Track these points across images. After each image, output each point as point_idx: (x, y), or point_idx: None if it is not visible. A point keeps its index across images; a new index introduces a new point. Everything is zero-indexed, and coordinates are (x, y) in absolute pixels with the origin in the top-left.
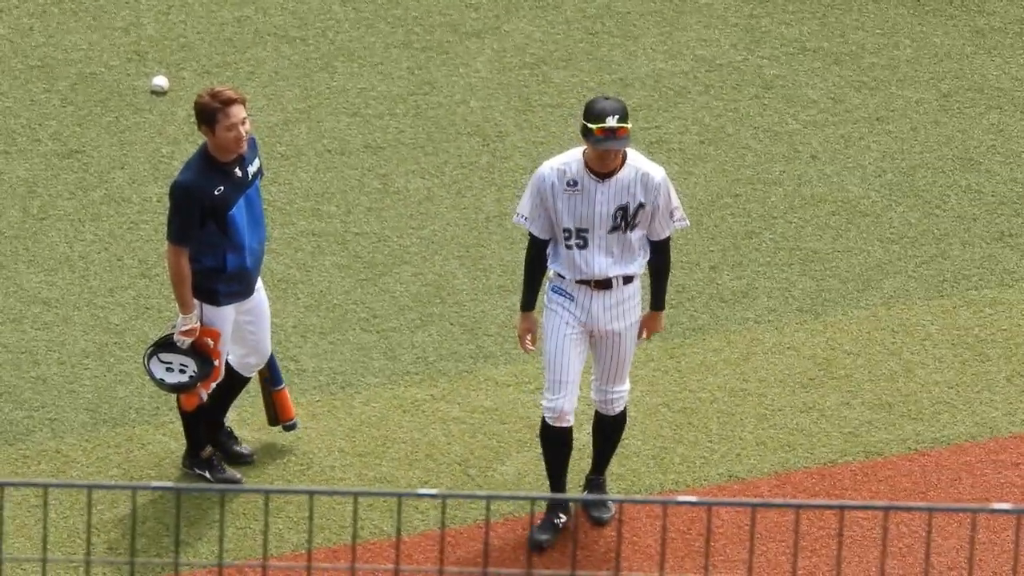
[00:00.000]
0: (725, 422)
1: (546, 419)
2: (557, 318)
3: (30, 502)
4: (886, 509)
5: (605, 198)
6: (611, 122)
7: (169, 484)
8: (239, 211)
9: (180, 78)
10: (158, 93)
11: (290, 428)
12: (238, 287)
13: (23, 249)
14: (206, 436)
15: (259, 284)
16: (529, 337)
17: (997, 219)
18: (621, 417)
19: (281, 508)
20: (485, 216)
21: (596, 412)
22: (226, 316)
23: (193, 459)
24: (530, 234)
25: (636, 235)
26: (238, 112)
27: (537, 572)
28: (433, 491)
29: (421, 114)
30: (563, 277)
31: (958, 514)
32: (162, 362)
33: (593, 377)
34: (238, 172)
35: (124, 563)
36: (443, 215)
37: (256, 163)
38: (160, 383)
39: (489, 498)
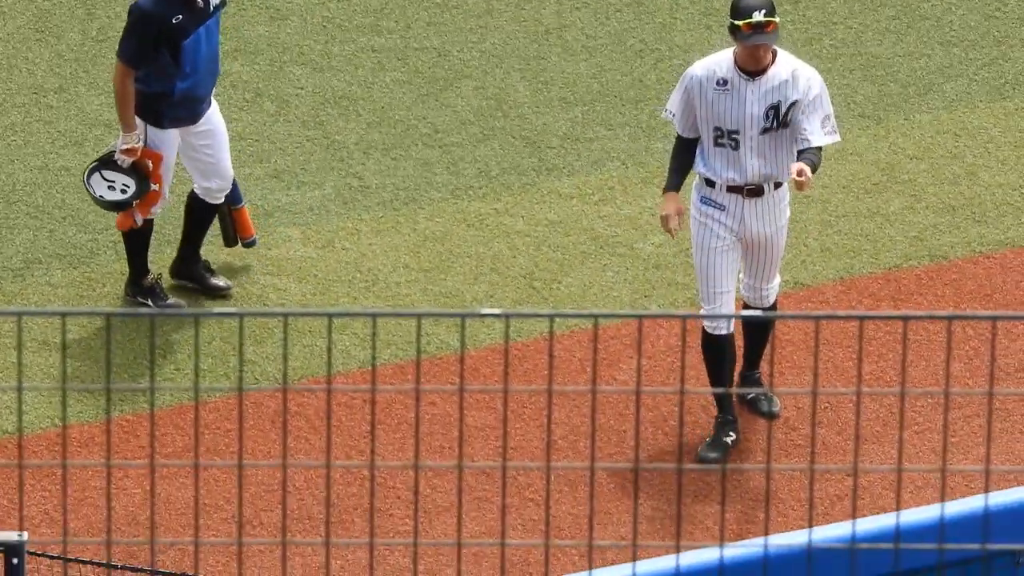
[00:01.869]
0: (790, 229)
1: (706, 328)
2: (707, 231)
3: (95, 324)
4: (949, 319)
5: (756, 97)
6: (758, 16)
7: (231, 309)
8: (195, 41)
9: None
10: None
11: (249, 245)
12: (184, 112)
13: (83, 72)
14: (182, 270)
15: (213, 106)
16: (676, 220)
17: None
18: (772, 309)
19: (347, 325)
20: (545, 28)
21: (745, 306)
22: (169, 140)
23: (135, 286)
24: (677, 133)
25: (787, 135)
26: None
27: (601, 388)
28: (496, 310)
29: None
30: (712, 185)
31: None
32: (104, 179)
33: (744, 276)
34: (200, 2)
35: (186, 389)
36: (503, 28)
37: None
38: (99, 200)
39: (552, 316)
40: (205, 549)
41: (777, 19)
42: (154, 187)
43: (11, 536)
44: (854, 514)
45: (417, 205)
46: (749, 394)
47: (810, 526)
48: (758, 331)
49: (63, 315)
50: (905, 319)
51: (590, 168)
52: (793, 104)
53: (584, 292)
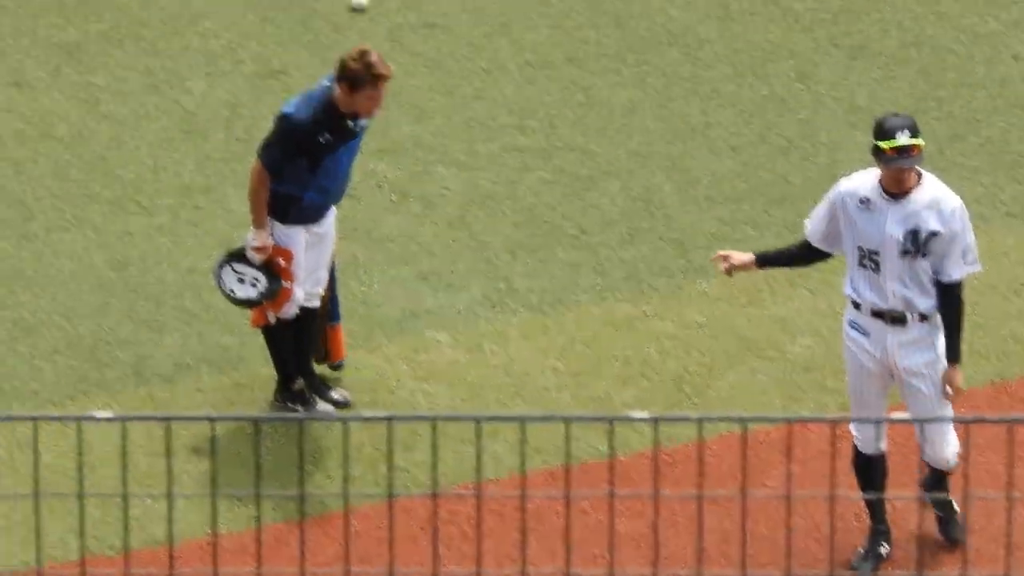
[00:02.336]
0: None
1: (856, 445)
2: (854, 356)
3: (245, 430)
4: None
5: (896, 219)
6: (902, 139)
7: (381, 413)
8: (336, 159)
9: None
10: (358, 10)
11: (336, 368)
12: (311, 215)
13: (230, 172)
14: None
15: (332, 211)
16: (729, 261)
17: None
18: (945, 478)
19: (497, 431)
20: (690, 127)
21: (928, 466)
22: (297, 236)
23: (284, 392)
24: (805, 236)
25: (927, 265)
26: (383, 90)
27: (752, 491)
28: (644, 414)
29: (622, 24)
30: (857, 308)
31: None
32: (235, 272)
33: (917, 432)
34: (350, 123)
35: (336, 495)
36: (647, 127)
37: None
38: (229, 294)
39: (701, 419)
40: None
41: (921, 141)
42: (285, 285)
43: None
44: None
45: (565, 307)
46: (937, 513)
47: None
48: (939, 484)
49: (211, 420)
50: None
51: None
52: (933, 234)
53: (734, 396)
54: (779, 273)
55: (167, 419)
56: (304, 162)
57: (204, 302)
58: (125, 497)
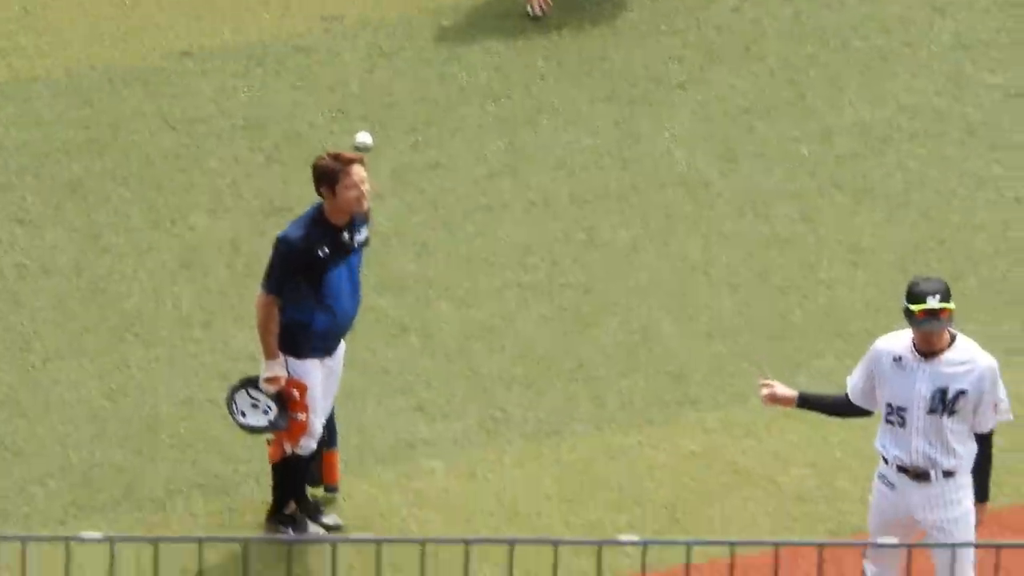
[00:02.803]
0: None
1: None
2: (878, 506)
3: (235, 553)
4: None
5: (926, 377)
6: (932, 303)
7: (369, 536)
8: (337, 275)
9: (385, 135)
10: (362, 149)
11: (331, 491)
12: (322, 344)
13: (229, 307)
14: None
15: (342, 346)
16: (772, 391)
17: None
18: None
19: (487, 555)
20: (691, 265)
21: None
22: (313, 369)
23: (278, 515)
24: (847, 392)
25: (956, 425)
26: (359, 171)
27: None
28: (634, 538)
29: (626, 166)
30: (886, 461)
31: None
32: (251, 397)
33: None
34: (346, 236)
35: None
36: (649, 264)
37: (364, 232)
38: (242, 422)
39: (690, 543)
40: None
41: (952, 305)
42: (300, 417)
43: None
44: None
45: (560, 437)
46: None
47: None
48: None
49: (200, 541)
50: None
51: (733, 402)
52: (961, 393)
53: (725, 524)
54: (776, 407)
55: (155, 540)
56: (306, 283)
57: (199, 431)
58: None
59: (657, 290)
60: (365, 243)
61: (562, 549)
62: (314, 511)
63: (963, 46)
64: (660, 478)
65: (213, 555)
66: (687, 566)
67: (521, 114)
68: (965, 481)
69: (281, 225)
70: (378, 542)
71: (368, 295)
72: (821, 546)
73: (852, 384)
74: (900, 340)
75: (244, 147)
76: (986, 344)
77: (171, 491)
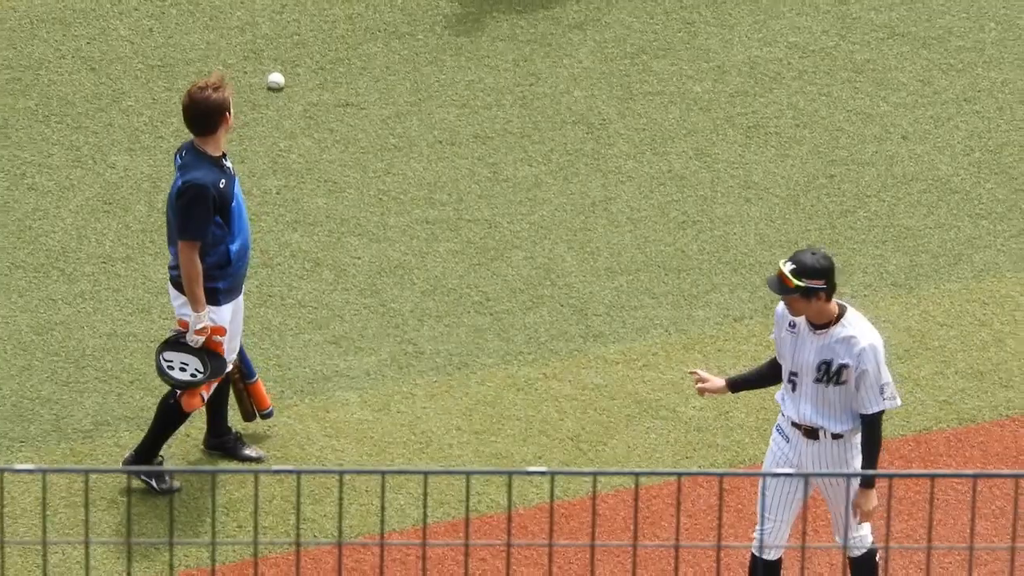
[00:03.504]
0: None
1: (753, 551)
2: (772, 456)
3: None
4: (975, 476)
5: (814, 348)
6: (782, 266)
7: (289, 467)
8: (237, 204)
9: (295, 75)
10: (275, 89)
11: (267, 416)
12: (233, 283)
13: (149, 242)
14: (213, 441)
15: (242, 289)
16: (703, 383)
17: None
18: (864, 560)
19: (401, 484)
20: (591, 201)
21: (850, 559)
22: (227, 314)
23: (148, 456)
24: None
25: (842, 395)
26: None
27: (643, 542)
28: (542, 469)
29: (527, 104)
30: (784, 416)
31: None
32: (165, 360)
33: (833, 533)
34: (228, 164)
35: (248, 543)
36: (551, 200)
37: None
38: (171, 380)
39: (596, 474)
40: None
41: (801, 282)
42: (229, 360)
43: None
44: None
45: (469, 370)
46: None
47: None
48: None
49: (128, 472)
50: (933, 477)
51: (634, 335)
52: (844, 366)
53: (628, 454)
54: (675, 339)
55: (86, 471)
56: (217, 220)
57: (124, 364)
58: (44, 545)
59: (559, 226)
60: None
61: (473, 479)
62: (238, 444)
63: None
64: (565, 410)
65: (141, 485)
66: (593, 496)
67: (425, 53)
68: (855, 443)
69: None
70: (298, 473)
71: (282, 231)
72: (721, 476)
73: (777, 349)
74: None
75: (161, 87)
76: (874, 278)
77: (98, 423)
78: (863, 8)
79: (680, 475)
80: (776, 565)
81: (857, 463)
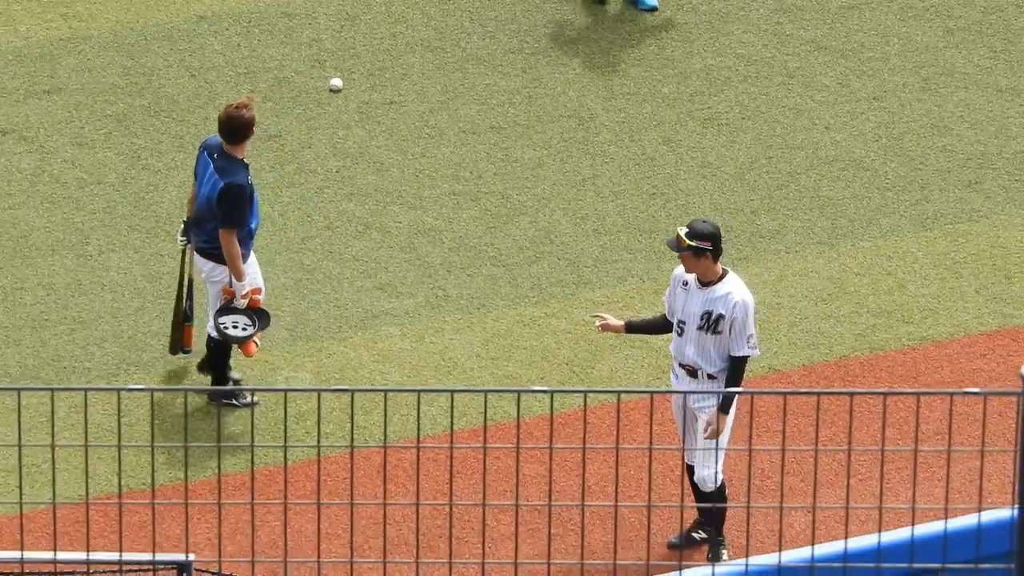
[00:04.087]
0: (765, 328)
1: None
2: (669, 389)
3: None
4: (885, 394)
5: (699, 300)
6: (679, 230)
7: (345, 387)
8: (255, 191)
9: (351, 79)
10: (335, 91)
11: (186, 353)
12: (250, 248)
13: None
14: (204, 366)
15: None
16: (604, 322)
17: (965, 171)
18: (714, 496)
19: (434, 400)
20: (582, 178)
21: (694, 487)
22: (256, 271)
23: (226, 394)
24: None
25: (718, 341)
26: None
27: (623, 445)
28: (543, 388)
29: (532, 102)
30: (674, 358)
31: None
32: (221, 323)
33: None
34: (246, 160)
35: (313, 446)
36: (550, 177)
37: None
38: (232, 339)
39: (586, 392)
40: (326, 566)
41: (695, 243)
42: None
43: (181, 557)
44: (813, 541)
45: (486, 310)
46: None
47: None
48: (702, 507)
49: (227, 391)
50: (851, 394)
51: (616, 282)
52: (720, 316)
53: (611, 375)
54: (647, 285)
55: (186, 390)
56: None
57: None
58: (152, 449)
59: (557, 197)
60: None
61: (490, 396)
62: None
63: (783, 10)
64: (561, 341)
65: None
66: (584, 409)
67: (452, 62)
68: (723, 382)
69: (276, 147)
70: (352, 391)
71: (340, 201)
72: (686, 394)
73: (666, 303)
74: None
75: (246, 89)
76: (803, 237)
77: (198, 352)
78: (795, 27)
79: (652, 393)
80: (689, 471)
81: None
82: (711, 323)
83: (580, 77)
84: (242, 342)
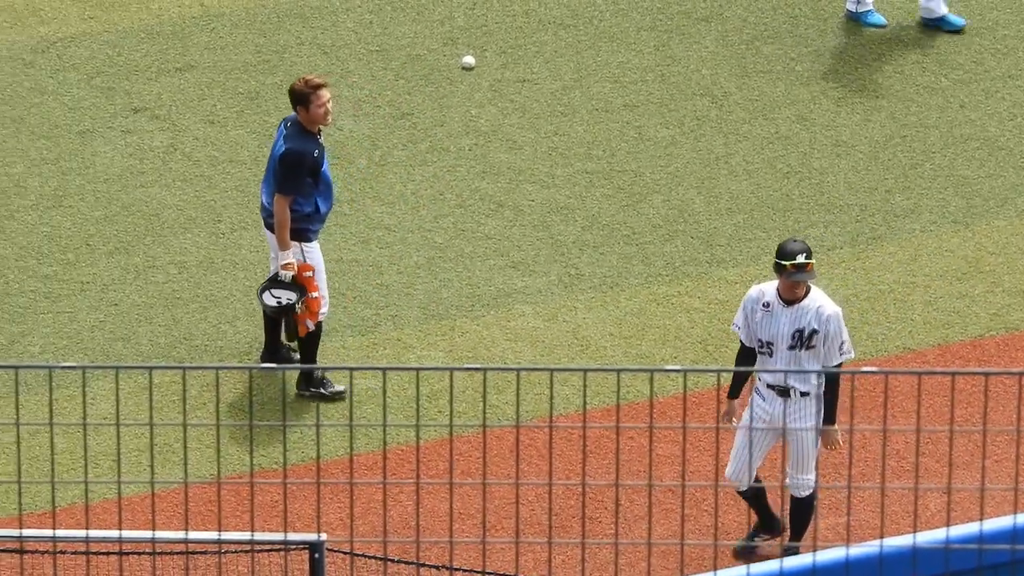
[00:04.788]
0: (900, 307)
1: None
2: (752, 413)
3: (378, 381)
4: (1021, 374)
5: (788, 320)
6: (800, 259)
7: (478, 366)
8: (326, 169)
9: (484, 57)
10: (467, 69)
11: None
12: (321, 226)
13: (368, 188)
14: (266, 357)
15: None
16: (730, 419)
17: None
18: (807, 502)
19: (567, 379)
20: (715, 156)
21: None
22: (319, 252)
23: (308, 382)
24: (740, 340)
25: (810, 357)
26: (325, 94)
27: (758, 426)
28: (677, 367)
29: (665, 80)
30: (760, 379)
31: None
32: (273, 296)
33: (787, 467)
34: (322, 139)
35: (444, 425)
36: (683, 156)
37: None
38: (269, 307)
39: (719, 371)
40: (459, 546)
41: (813, 261)
42: (314, 295)
43: (313, 537)
44: (948, 523)
45: (619, 288)
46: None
47: (914, 531)
48: (795, 515)
49: (350, 369)
50: (987, 374)
51: (749, 261)
52: (814, 332)
53: None
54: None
55: (314, 368)
56: (311, 180)
57: (349, 283)
58: (284, 428)
59: (690, 176)
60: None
61: (623, 375)
62: (290, 354)
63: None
64: (695, 320)
65: (360, 377)
66: (717, 388)
67: (585, 40)
68: (816, 399)
69: (409, 125)
70: (484, 370)
71: (472, 179)
72: (819, 373)
73: (744, 335)
74: (767, 290)
75: (379, 67)
76: (938, 216)
77: (328, 331)
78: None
79: (787, 372)
80: (759, 492)
81: (819, 419)
82: (804, 339)
83: (713, 55)
84: (279, 315)
